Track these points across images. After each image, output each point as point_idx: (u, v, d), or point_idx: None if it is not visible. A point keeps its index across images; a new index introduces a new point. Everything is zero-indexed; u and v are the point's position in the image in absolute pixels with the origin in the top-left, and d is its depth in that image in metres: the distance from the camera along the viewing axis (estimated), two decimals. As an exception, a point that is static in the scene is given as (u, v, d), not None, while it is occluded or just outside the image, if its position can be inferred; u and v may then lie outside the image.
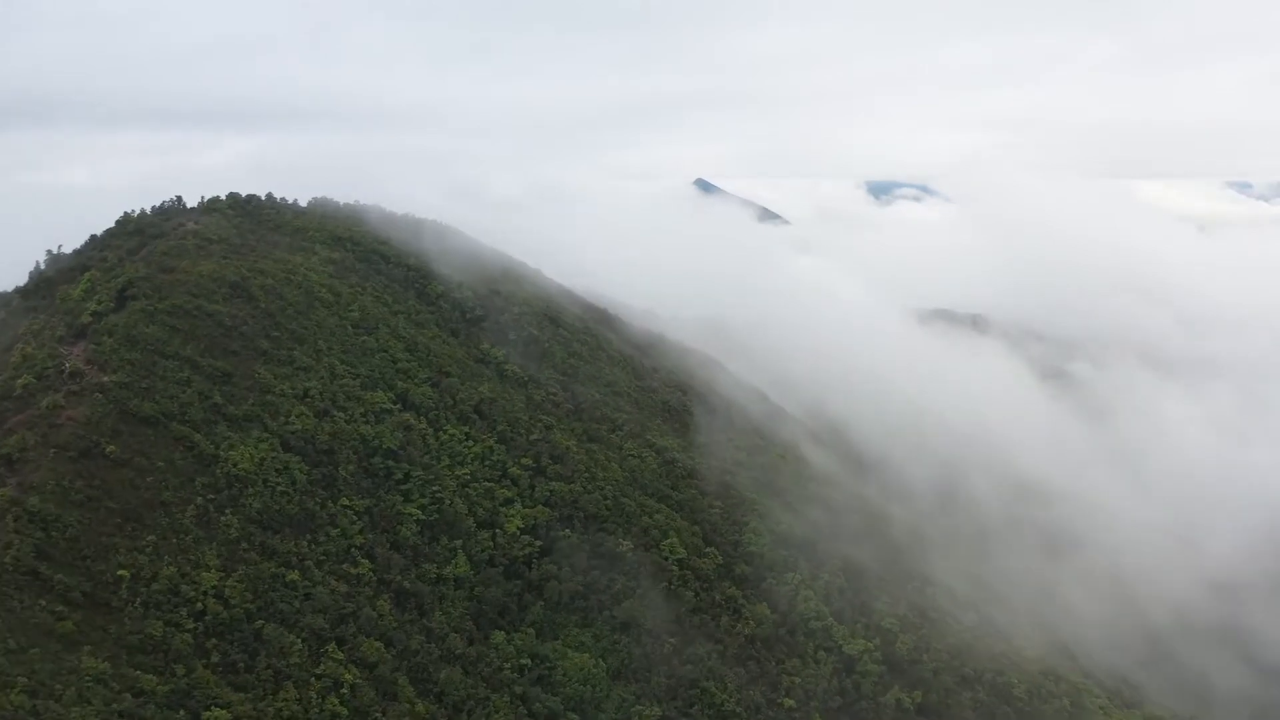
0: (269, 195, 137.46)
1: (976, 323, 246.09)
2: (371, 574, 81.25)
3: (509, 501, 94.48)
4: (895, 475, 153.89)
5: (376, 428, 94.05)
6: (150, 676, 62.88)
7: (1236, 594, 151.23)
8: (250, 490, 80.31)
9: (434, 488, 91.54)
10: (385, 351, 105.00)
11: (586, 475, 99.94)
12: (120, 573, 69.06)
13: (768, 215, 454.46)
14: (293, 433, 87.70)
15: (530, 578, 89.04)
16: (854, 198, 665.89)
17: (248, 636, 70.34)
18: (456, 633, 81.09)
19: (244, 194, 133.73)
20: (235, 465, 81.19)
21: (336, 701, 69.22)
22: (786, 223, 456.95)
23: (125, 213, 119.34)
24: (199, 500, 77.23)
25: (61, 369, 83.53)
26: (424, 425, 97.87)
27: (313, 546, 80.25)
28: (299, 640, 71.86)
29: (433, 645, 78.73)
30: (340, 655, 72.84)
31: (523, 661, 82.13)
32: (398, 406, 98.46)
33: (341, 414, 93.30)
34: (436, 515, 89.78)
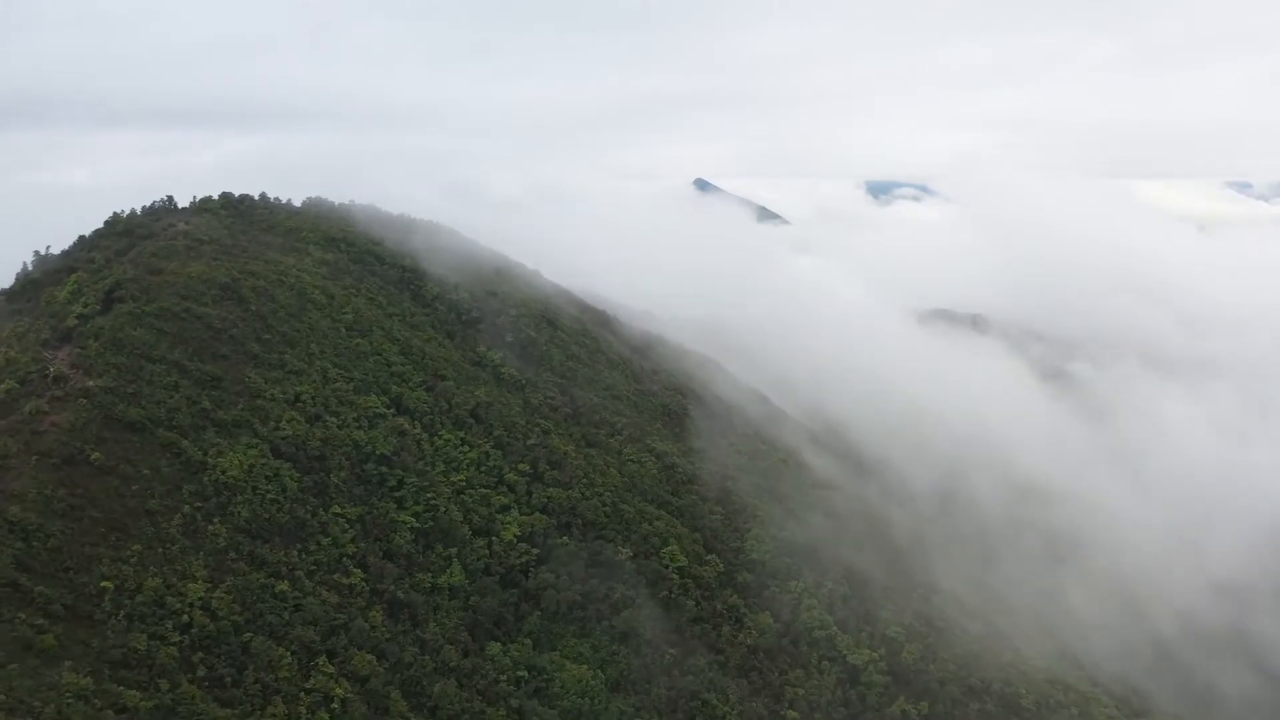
0: (262, 195, 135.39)
1: (976, 323, 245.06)
2: (364, 584, 79.22)
3: (505, 508, 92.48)
4: (896, 477, 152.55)
5: (370, 433, 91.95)
6: (134, 692, 60.89)
7: (1241, 597, 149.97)
8: (239, 498, 78.19)
9: (428, 494, 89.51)
10: (379, 355, 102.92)
11: (585, 481, 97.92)
12: (103, 584, 66.96)
13: (767, 215, 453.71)
14: (283, 438, 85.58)
15: (527, 587, 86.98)
16: (854, 198, 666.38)
17: (235, 650, 68.26)
18: (451, 644, 79.04)
19: (237, 194, 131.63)
20: (224, 472, 79.05)
21: (327, 717, 67.37)
22: (786, 223, 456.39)
23: (114, 213, 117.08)
24: (186, 509, 75.08)
25: (45, 373, 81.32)
26: (418, 430, 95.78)
27: (303, 556, 78.19)
28: (288, 653, 69.83)
29: (427, 657, 76.66)
30: (331, 668, 70.81)
31: (519, 673, 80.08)
32: (391, 411, 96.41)
33: (334, 419, 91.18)
34: (431, 523, 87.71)
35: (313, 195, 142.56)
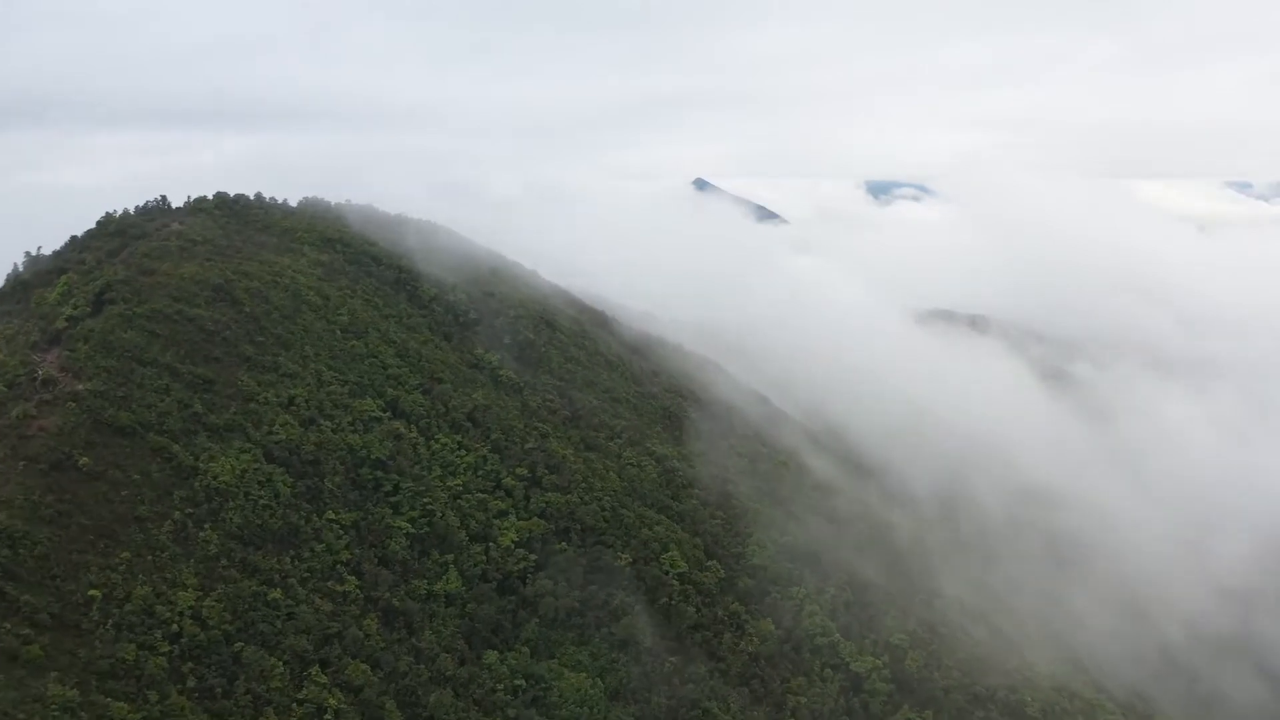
0: (258, 195, 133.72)
1: (976, 323, 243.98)
2: (358, 591, 77.79)
3: (503, 513, 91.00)
4: (897, 479, 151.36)
5: (365, 437, 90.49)
6: (121, 704, 59.72)
7: (1245, 600, 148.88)
8: (231, 504, 76.76)
9: (425, 500, 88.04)
10: (375, 357, 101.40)
11: (584, 485, 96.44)
12: (91, 593, 65.69)
13: (767, 215, 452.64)
14: (276, 443, 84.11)
15: (525, 594, 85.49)
16: (853, 198, 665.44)
17: (226, 659, 66.93)
18: (447, 653, 77.60)
19: (238, 195, 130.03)
20: (215, 477, 77.62)
21: (320, 728, 65.77)
22: (786, 223, 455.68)
23: (107, 213, 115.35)
24: (176, 515, 73.70)
25: (34, 377, 79.92)
26: (415, 434, 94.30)
27: (296, 563, 76.75)
28: (280, 663, 68.49)
29: (422, 666, 75.23)
30: (324, 678, 69.44)
31: (516, 682, 78.64)
32: (387, 414, 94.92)
33: (328, 423, 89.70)
34: (427, 528, 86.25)
35: (310, 195, 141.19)
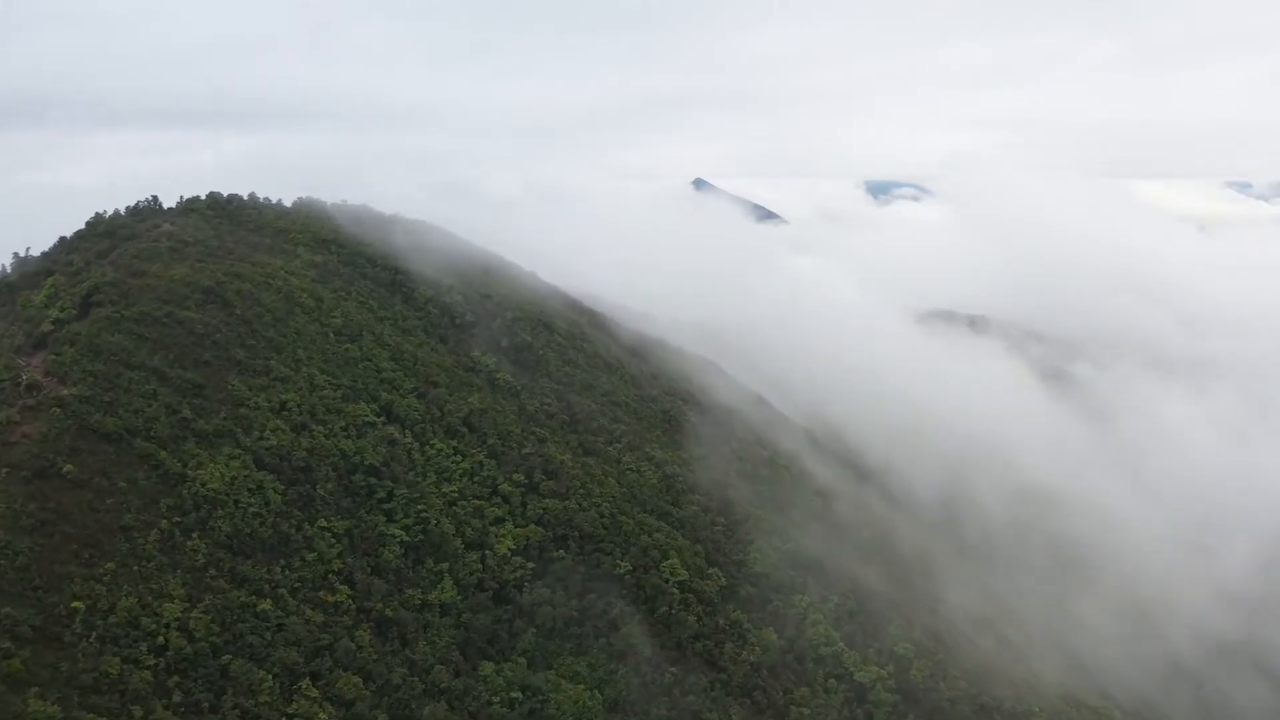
0: (251, 195, 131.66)
1: (976, 324, 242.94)
2: (350, 601, 75.86)
3: (499, 521, 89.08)
4: (898, 481, 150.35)
5: (358, 442, 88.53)
6: (104, 720, 57.49)
7: (1250, 603, 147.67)
8: (220, 512, 74.80)
9: (419, 507, 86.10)
10: (369, 360, 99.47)
11: (582, 491, 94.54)
12: (74, 604, 63.83)
13: (767, 215, 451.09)
14: (267, 449, 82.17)
15: (522, 603, 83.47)
16: (853, 198, 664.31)
17: (213, 673, 65.06)
18: (442, 664, 75.65)
19: (239, 194, 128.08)
20: (204, 485, 75.64)
21: (310, 745, 63.86)
22: (785, 223, 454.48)
23: (96, 213, 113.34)
24: (163, 524, 71.72)
25: (17, 381, 77.84)
26: (409, 439, 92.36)
27: (287, 572, 74.83)
28: (269, 676, 66.58)
29: (416, 679, 73.30)
30: (315, 692, 67.50)
31: (513, 694, 76.63)
32: (381, 419, 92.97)
33: (321, 428, 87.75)
34: (422, 536, 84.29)
35: (305, 195, 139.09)
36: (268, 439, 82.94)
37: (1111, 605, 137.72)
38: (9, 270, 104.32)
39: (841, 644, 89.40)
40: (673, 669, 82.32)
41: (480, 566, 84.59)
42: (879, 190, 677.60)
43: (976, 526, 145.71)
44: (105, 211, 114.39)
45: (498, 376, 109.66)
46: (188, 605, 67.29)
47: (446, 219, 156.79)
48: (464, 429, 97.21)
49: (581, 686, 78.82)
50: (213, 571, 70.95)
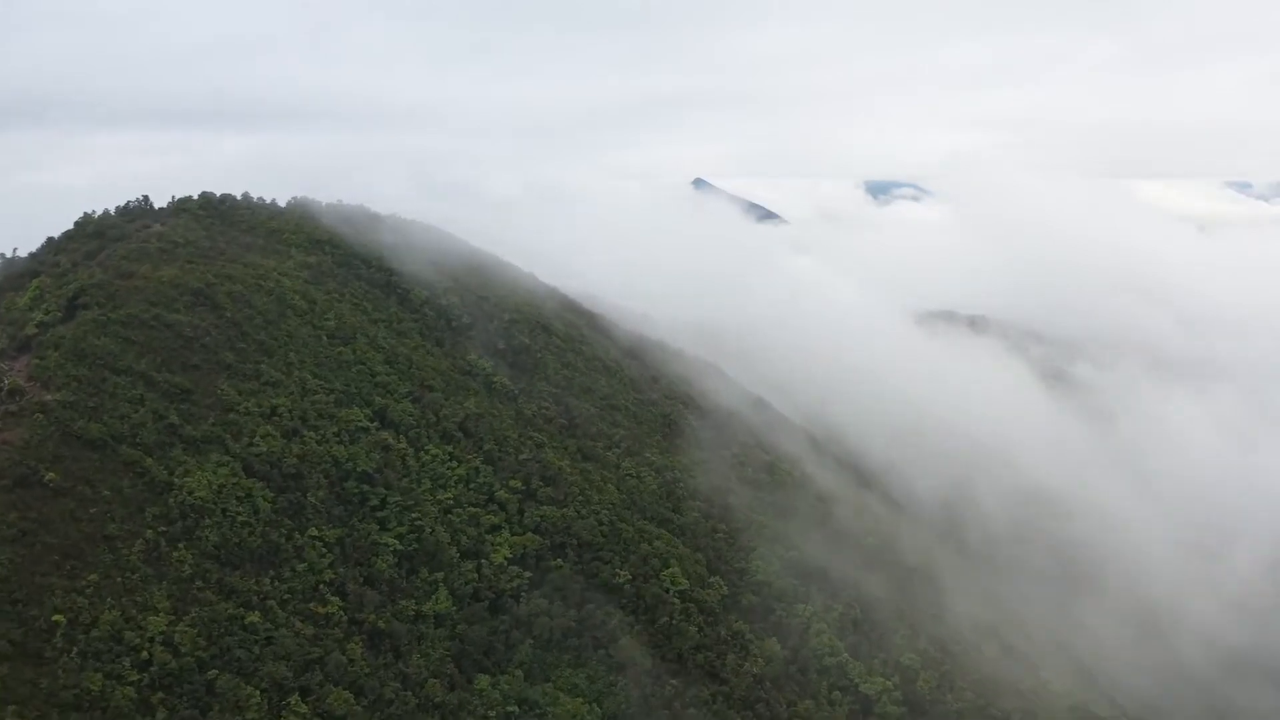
0: (244, 195, 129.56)
1: (976, 324, 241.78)
2: (342, 613, 73.84)
3: (496, 528, 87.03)
4: (900, 484, 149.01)
5: (351, 448, 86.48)
6: (84, 740, 55.49)
7: (1258, 608, 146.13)
8: (207, 521, 72.88)
9: (413, 514, 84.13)
10: (363, 364, 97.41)
11: (581, 498, 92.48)
12: (55, 618, 62.05)
13: (766, 215, 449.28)
14: (257, 455, 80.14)
15: (518, 614, 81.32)
16: (853, 198, 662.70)
17: (199, 689, 63.25)
18: (436, 678, 73.54)
19: (236, 194, 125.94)
20: (191, 493, 73.68)
21: (299, 763, 61.82)
22: (785, 223, 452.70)
23: (85, 213, 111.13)
24: (149, 533, 69.80)
25: (-1, 386, 75.69)
26: (403, 445, 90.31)
27: (276, 583, 72.82)
28: (257, 692, 64.78)
29: (409, 693, 71.26)
30: (304, 708, 65.64)
31: (509, 708, 74.56)
32: (375, 424, 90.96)
33: (312, 434, 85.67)
34: (416, 545, 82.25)
35: (299, 195, 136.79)
36: (257, 445, 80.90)
37: (1116, 610, 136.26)
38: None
39: (846, 654, 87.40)
40: (673, 681, 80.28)
41: (476, 576, 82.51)
42: (879, 190, 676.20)
43: (978, 529, 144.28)
44: (94, 211, 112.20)
45: (494, 380, 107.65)
46: (173, 618, 65.43)
47: (446, 219, 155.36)
48: (460, 434, 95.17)
49: (580, 700, 76.80)
50: (199, 583, 68.99)
